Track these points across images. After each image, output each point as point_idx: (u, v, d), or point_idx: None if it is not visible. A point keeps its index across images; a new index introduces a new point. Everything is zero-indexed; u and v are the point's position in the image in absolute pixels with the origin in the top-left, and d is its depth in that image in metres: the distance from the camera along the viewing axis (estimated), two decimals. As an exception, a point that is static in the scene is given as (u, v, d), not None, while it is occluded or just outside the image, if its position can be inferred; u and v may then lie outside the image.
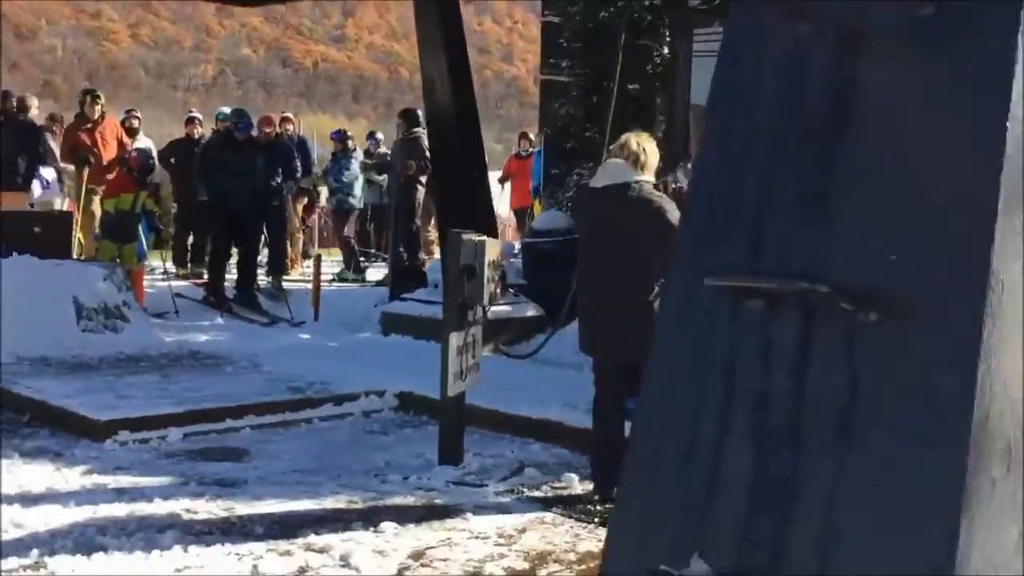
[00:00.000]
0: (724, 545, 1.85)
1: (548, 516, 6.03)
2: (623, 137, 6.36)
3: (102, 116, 13.52)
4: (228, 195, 12.14)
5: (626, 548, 1.95)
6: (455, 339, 6.80)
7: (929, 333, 1.72)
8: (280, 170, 13.14)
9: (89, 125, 13.22)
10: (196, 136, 13.59)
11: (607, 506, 5.94)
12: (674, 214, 5.92)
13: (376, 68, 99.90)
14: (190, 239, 13.88)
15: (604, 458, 6.15)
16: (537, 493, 6.48)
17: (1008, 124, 1.68)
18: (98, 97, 13.51)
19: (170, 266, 13.37)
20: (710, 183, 2.00)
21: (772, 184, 1.92)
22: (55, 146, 13.38)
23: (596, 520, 5.91)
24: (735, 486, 1.87)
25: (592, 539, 5.61)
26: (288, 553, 5.35)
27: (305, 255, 15.87)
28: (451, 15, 11.53)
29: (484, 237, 7.05)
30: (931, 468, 1.67)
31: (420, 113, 13.41)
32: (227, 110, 14.12)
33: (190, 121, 13.82)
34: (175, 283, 12.91)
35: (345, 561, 5.25)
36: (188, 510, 5.92)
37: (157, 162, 13.20)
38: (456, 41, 11.52)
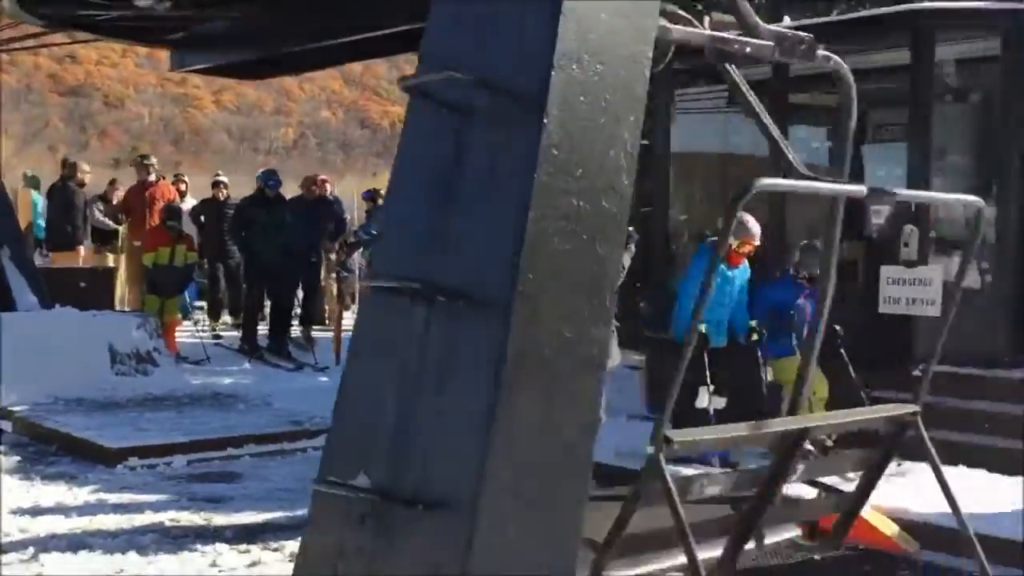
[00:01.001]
0: (377, 465, 2.67)
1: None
2: None
3: (157, 178, 14.68)
4: (260, 250, 13.15)
5: (324, 469, 2.78)
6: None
7: (488, 311, 2.54)
8: (326, 228, 14.18)
9: (145, 186, 14.32)
10: (222, 198, 14.65)
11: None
12: None
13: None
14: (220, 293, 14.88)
15: None
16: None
17: (536, 175, 2.50)
18: (146, 159, 14.74)
19: (204, 317, 14.48)
20: (389, 213, 2.86)
21: (422, 214, 2.75)
22: (99, 211, 14.56)
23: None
24: (385, 424, 2.69)
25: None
26: (247, 552, 6.23)
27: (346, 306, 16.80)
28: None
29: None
30: (483, 395, 2.49)
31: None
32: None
33: (216, 185, 14.92)
34: (212, 333, 14.04)
35: (293, 557, 6.10)
36: (172, 520, 6.85)
37: (188, 215, 14.23)
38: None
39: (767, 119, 3.85)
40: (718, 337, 8.20)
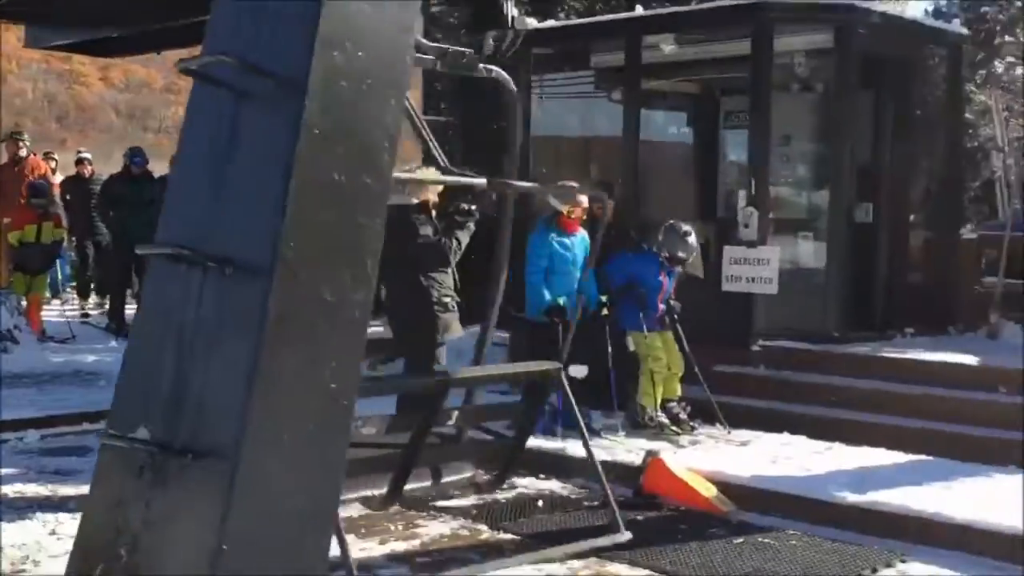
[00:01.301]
0: (155, 419, 2.90)
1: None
2: None
3: (28, 154, 14.44)
4: (127, 228, 13.10)
5: (108, 424, 3.00)
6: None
7: (253, 276, 2.79)
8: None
9: (16, 163, 14.07)
10: (87, 175, 14.52)
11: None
12: None
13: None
14: (88, 271, 14.79)
15: None
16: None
17: (297, 151, 2.75)
18: (17, 135, 14.49)
19: (74, 296, 14.37)
20: (172, 186, 3.10)
21: (201, 186, 2.99)
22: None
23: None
24: (163, 381, 2.92)
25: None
26: (89, 520, 6.35)
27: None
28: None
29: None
30: (247, 354, 2.74)
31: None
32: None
33: (79, 162, 14.80)
34: (80, 312, 13.97)
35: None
36: (17, 491, 6.92)
37: (55, 192, 14.06)
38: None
39: (421, 122, 4.43)
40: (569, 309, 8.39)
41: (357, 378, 3.01)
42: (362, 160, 2.92)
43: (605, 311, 8.51)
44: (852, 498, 6.41)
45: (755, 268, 9.59)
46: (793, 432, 8.16)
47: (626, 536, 5.53)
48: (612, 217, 9.31)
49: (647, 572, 5.62)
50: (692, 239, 8.60)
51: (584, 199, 8.28)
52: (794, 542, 6.14)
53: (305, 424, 2.83)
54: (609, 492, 5.36)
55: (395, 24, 2.97)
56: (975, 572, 5.66)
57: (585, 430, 5.32)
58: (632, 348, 8.62)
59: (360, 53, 2.91)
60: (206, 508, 2.72)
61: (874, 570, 5.68)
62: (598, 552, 5.72)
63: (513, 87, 4.90)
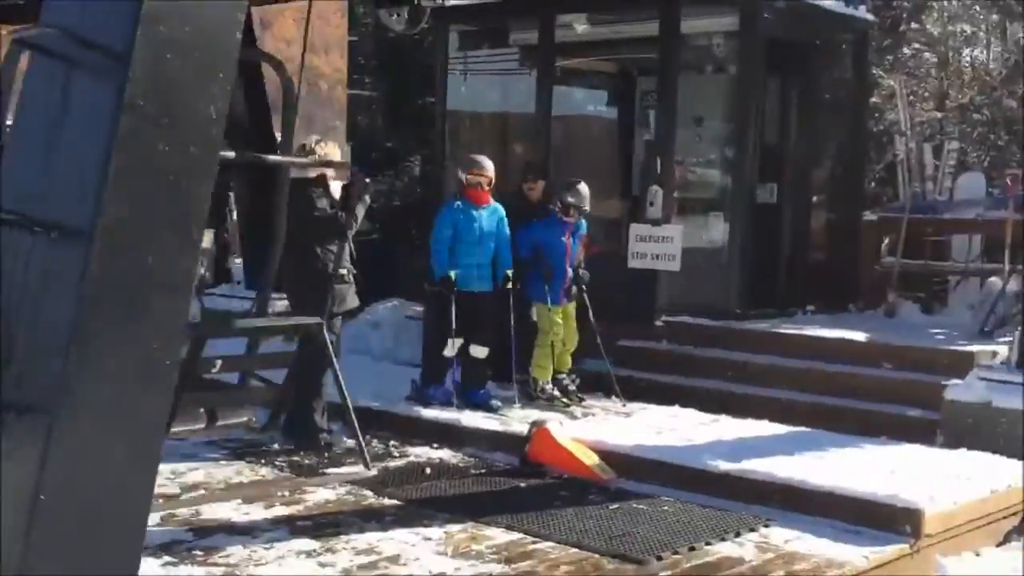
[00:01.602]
0: (9, 383, 3.03)
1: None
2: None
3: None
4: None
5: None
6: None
7: (76, 241, 2.92)
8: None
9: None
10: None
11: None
12: None
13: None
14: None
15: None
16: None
17: (120, 122, 2.88)
18: None
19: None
20: (8, 153, 3.21)
21: (34, 154, 3.11)
22: None
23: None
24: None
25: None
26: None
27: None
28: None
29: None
30: (67, 315, 2.88)
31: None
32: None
33: None
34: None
35: None
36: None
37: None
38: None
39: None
40: (480, 281, 8.51)
41: (179, 339, 3.15)
42: (189, 131, 3.04)
43: (509, 284, 8.64)
44: (725, 466, 6.65)
45: (660, 245, 9.81)
46: (686, 405, 8.39)
47: (372, 472, 6.25)
48: (542, 196, 9.48)
49: (520, 536, 5.83)
50: (582, 186, 8.69)
51: (489, 167, 8.43)
52: (667, 507, 6.37)
53: (125, 382, 2.97)
54: (359, 437, 6.18)
55: (224, -2, 3.11)
56: (832, 535, 5.92)
57: (341, 383, 6.06)
58: (535, 319, 8.76)
59: (188, 27, 3.04)
60: (27, 460, 2.86)
61: (738, 533, 5.92)
62: (359, 485, 6.59)
63: (287, 72, 5.07)
